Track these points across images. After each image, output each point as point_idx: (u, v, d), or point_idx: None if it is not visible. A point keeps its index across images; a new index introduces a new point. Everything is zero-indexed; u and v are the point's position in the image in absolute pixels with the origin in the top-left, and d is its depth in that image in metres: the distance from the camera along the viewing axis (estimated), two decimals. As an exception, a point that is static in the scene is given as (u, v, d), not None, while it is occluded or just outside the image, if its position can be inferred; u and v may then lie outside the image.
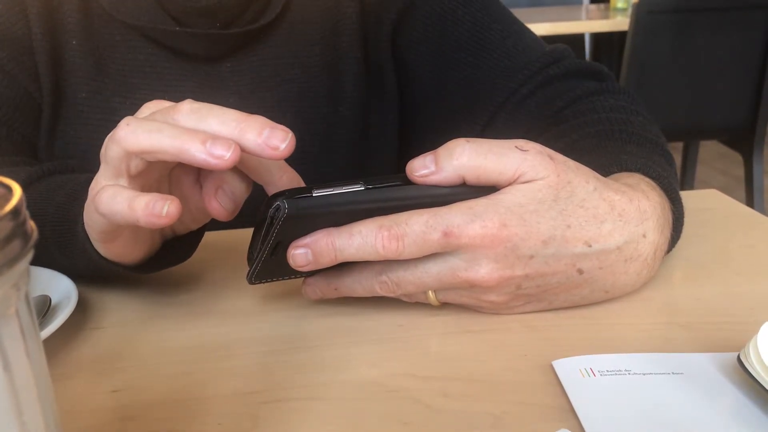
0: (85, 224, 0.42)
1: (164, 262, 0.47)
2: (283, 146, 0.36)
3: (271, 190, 0.41)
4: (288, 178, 0.41)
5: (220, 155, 0.35)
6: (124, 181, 0.38)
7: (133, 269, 0.45)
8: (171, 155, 0.36)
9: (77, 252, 0.46)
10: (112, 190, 0.37)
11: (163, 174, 0.42)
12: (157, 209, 0.36)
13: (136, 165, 0.38)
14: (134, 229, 0.42)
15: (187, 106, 0.38)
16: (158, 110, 0.39)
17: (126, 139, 0.37)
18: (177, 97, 0.40)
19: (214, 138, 0.35)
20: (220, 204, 0.41)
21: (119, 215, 0.37)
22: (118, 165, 0.38)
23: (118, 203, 0.37)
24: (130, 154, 0.37)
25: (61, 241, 0.47)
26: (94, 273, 0.48)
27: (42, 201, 0.49)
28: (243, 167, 0.41)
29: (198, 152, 0.35)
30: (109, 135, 0.38)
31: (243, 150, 0.36)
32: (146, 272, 0.46)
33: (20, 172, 0.54)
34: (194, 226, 0.46)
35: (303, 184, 0.42)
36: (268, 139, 0.36)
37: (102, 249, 0.43)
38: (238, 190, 0.41)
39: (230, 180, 0.41)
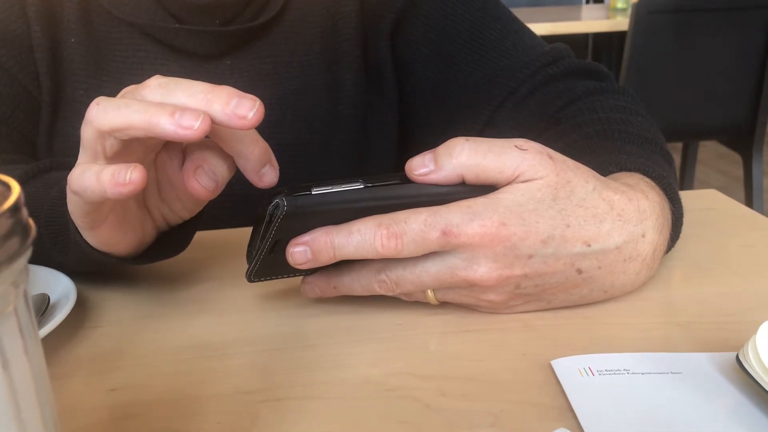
0: (69, 212, 0.41)
1: (158, 254, 0.46)
2: (251, 114, 0.36)
3: (242, 163, 0.40)
4: (260, 151, 0.40)
5: (189, 125, 0.35)
6: (102, 164, 0.38)
7: (126, 261, 0.45)
8: (141, 130, 0.36)
9: (70, 245, 0.45)
10: (82, 167, 0.37)
11: (148, 159, 0.41)
12: (121, 177, 0.35)
13: (111, 145, 0.38)
14: (119, 213, 0.41)
15: (155, 81, 0.38)
16: (128, 89, 0.39)
17: (97, 118, 0.37)
18: None
19: (183, 109, 0.35)
20: (199, 183, 0.40)
21: (89, 190, 0.37)
22: (94, 146, 0.38)
23: (87, 178, 0.37)
24: (103, 134, 0.37)
25: (55, 236, 0.47)
26: (89, 267, 0.48)
27: (37, 197, 0.49)
28: (215, 138, 0.40)
29: (167, 124, 0.35)
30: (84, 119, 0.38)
31: (212, 121, 0.36)
32: (140, 263, 0.46)
33: (16, 168, 0.54)
34: (186, 215, 0.46)
35: (275, 158, 0.42)
36: (236, 108, 0.36)
37: (90, 237, 0.42)
38: (219, 169, 0.41)
39: (211, 159, 0.40)
